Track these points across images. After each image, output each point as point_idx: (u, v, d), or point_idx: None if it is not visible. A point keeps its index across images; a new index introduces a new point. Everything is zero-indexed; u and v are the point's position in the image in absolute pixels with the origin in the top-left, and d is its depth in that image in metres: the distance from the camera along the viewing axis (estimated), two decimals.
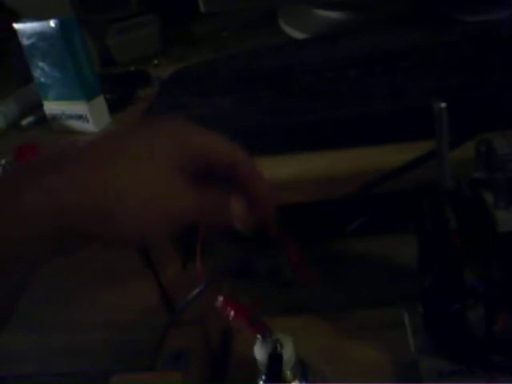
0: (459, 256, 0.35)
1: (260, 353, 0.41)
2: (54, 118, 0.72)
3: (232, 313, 0.42)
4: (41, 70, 0.69)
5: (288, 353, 0.41)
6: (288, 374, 0.41)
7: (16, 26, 0.69)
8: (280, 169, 0.53)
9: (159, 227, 0.32)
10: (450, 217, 0.35)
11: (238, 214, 0.36)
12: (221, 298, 0.42)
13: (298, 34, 0.84)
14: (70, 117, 0.70)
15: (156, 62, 0.86)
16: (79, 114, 0.69)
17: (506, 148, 0.36)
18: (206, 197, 0.35)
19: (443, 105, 0.32)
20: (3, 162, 0.64)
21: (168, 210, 0.32)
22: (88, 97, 0.68)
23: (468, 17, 0.71)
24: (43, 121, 0.74)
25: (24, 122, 0.76)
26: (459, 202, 0.35)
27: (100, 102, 0.70)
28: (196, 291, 0.44)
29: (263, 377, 0.41)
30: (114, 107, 0.72)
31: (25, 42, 0.69)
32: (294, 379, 0.42)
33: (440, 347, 0.41)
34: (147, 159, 0.32)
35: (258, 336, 0.42)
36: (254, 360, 0.42)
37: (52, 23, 0.65)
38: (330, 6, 0.84)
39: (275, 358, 0.40)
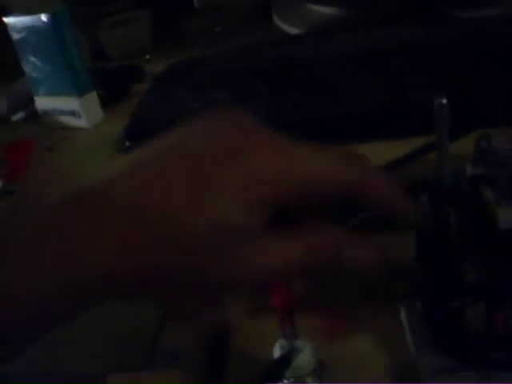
0: (458, 253, 0.35)
1: (277, 353, 0.40)
2: (46, 113, 0.71)
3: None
4: (32, 65, 0.69)
5: (306, 357, 0.40)
6: (307, 379, 0.41)
7: (6, 20, 0.68)
8: None
9: None
10: (450, 214, 0.34)
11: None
12: None
13: (291, 30, 0.84)
14: (62, 112, 0.70)
15: (148, 57, 0.85)
16: (71, 109, 0.68)
17: (506, 144, 0.35)
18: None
19: (444, 101, 0.32)
20: None
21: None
22: (80, 92, 0.67)
23: (460, 13, 0.71)
24: (34, 116, 0.73)
25: (15, 118, 0.75)
26: (459, 199, 0.35)
27: (92, 97, 0.69)
28: None
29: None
30: (106, 102, 0.72)
31: (15, 36, 0.68)
32: None
33: (438, 345, 0.41)
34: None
35: (281, 336, 0.41)
36: (253, 359, 0.41)
37: (43, 17, 0.64)
38: (324, 1, 0.84)
39: (281, 361, 0.39)
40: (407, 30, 0.70)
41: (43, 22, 0.64)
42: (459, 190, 0.35)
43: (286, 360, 0.39)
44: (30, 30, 0.65)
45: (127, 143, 0.59)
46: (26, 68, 0.69)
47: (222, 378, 0.43)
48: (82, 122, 0.68)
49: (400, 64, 0.61)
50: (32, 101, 0.72)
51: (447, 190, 0.35)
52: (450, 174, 0.35)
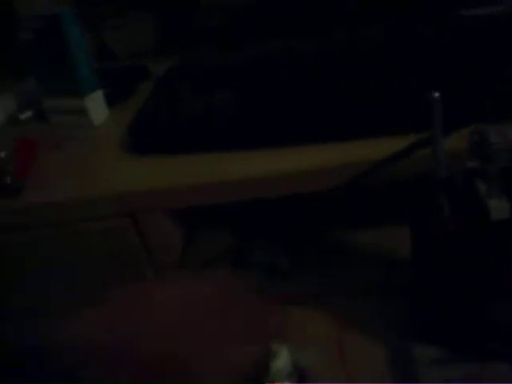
0: (453, 242, 0.36)
1: None
2: (53, 112, 0.73)
3: None
4: (39, 65, 0.70)
5: (282, 362, 0.41)
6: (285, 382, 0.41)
7: (15, 20, 0.69)
8: (281, 161, 0.54)
9: None
10: (444, 204, 0.35)
11: None
12: None
13: None
14: (68, 111, 0.71)
15: (154, 56, 0.86)
16: (77, 108, 0.70)
17: (498, 138, 0.36)
18: None
19: (437, 95, 0.33)
20: (2, 155, 0.64)
21: None
22: (86, 91, 0.69)
23: (462, 11, 0.72)
24: (42, 115, 0.75)
25: (23, 117, 0.77)
26: (453, 191, 0.36)
27: (98, 96, 0.70)
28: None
29: None
30: (112, 101, 0.73)
31: (24, 36, 0.69)
32: None
33: (433, 335, 0.42)
34: None
35: None
36: None
37: (51, 17, 0.65)
38: None
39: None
40: (407, 26, 0.71)
41: (51, 23, 0.65)
42: (453, 182, 0.36)
43: None
44: (38, 30, 0.67)
45: (130, 141, 0.60)
46: (34, 68, 0.71)
47: None
48: (88, 121, 0.70)
49: (396, 60, 0.61)
50: (40, 100, 0.74)
51: (442, 183, 0.36)
52: (444, 168, 0.36)
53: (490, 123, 0.37)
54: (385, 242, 0.53)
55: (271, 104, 0.60)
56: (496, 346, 0.39)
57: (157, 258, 0.59)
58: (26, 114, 0.77)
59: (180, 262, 0.60)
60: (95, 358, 0.30)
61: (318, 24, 0.79)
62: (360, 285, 0.51)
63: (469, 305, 0.38)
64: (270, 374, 0.41)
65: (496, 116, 0.38)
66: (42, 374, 0.29)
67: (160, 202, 0.57)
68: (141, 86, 0.77)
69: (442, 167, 0.35)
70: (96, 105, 0.70)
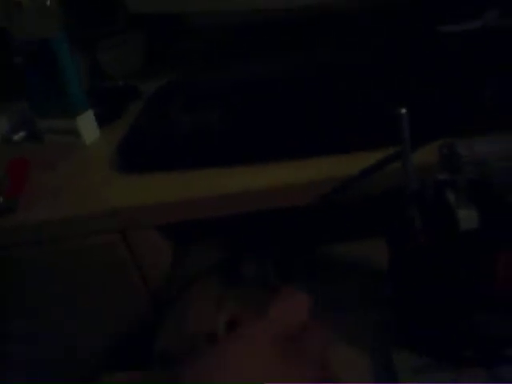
0: (424, 255, 0.38)
1: None
2: (45, 132, 0.75)
3: None
4: (31, 87, 0.72)
5: None
6: None
7: (6, 43, 0.71)
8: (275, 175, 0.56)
9: None
10: (415, 216, 0.37)
11: None
12: None
13: None
14: (61, 131, 0.73)
15: (143, 76, 0.88)
16: (69, 128, 0.71)
17: (466, 151, 0.38)
18: None
19: (404, 111, 0.34)
20: None
21: None
22: (77, 112, 0.71)
23: (441, 28, 0.74)
24: (35, 135, 0.76)
25: (16, 137, 0.78)
26: (424, 203, 0.38)
27: (89, 116, 0.72)
28: (180, 290, 0.46)
29: None
30: (103, 121, 0.75)
31: (15, 59, 0.71)
32: None
33: (413, 342, 0.43)
34: None
35: None
36: None
37: (41, 41, 0.67)
38: None
39: None
40: (377, 42, 0.73)
41: (42, 47, 0.67)
42: (424, 194, 0.38)
43: None
44: (29, 53, 0.69)
45: (119, 161, 0.62)
46: (26, 89, 0.73)
47: None
48: (79, 140, 0.72)
49: (369, 77, 0.63)
50: (32, 120, 0.75)
51: (413, 195, 0.38)
52: (414, 180, 0.38)
53: (458, 137, 0.39)
54: (369, 254, 0.54)
55: (260, 120, 0.61)
56: (471, 353, 0.40)
57: (146, 272, 0.61)
58: (19, 135, 0.79)
59: (169, 275, 0.61)
60: None
61: (301, 45, 0.81)
62: (344, 297, 0.52)
63: (444, 315, 0.40)
64: None
65: (466, 130, 0.40)
66: None
67: (153, 218, 0.59)
68: (131, 106, 0.79)
69: (412, 180, 0.37)
70: (87, 125, 0.72)
